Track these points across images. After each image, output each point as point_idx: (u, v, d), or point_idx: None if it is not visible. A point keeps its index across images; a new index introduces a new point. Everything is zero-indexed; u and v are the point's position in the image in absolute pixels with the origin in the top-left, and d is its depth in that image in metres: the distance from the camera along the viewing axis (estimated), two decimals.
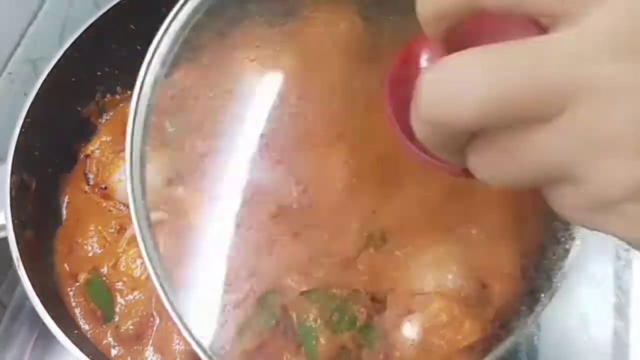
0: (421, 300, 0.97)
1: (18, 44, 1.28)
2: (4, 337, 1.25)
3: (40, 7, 1.32)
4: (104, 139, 1.22)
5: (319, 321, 0.96)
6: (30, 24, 1.30)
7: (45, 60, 1.16)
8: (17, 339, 1.25)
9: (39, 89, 1.14)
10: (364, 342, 0.96)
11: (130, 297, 1.06)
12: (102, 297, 1.07)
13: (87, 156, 1.20)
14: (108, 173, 1.16)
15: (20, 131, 1.10)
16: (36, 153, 1.15)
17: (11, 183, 1.06)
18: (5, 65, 1.27)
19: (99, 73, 1.26)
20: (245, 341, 0.96)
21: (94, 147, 1.21)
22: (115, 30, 1.23)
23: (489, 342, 0.95)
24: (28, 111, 1.11)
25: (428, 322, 0.96)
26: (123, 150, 1.09)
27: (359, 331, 0.96)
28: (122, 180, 1.14)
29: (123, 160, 1.14)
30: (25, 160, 1.10)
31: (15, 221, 1.04)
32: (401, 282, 1.00)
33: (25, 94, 1.12)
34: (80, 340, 1.02)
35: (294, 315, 0.98)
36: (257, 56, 0.94)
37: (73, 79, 1.21)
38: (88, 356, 0.95)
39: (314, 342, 0.95)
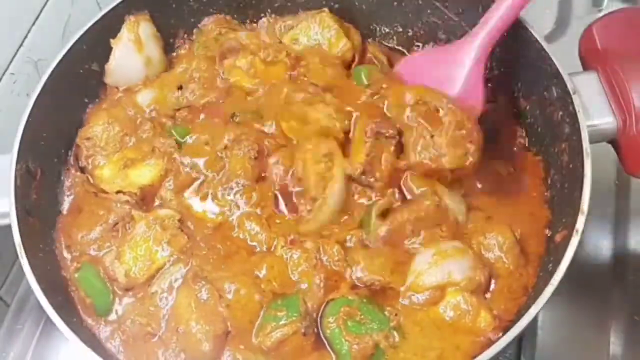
0: (436, 293, 1.02)
1: (20, 45, 1.29)
2: (7, 335, 1.26)
3: (42, 8, 1.32)
4: (95, 128, 1.20)
5: (348, 324, 1.00)
6: (32, 24, 1.31)
7: (47, 61, 1.16)
8: (20, 337, 1.26)
9: (47, 78, 1.14)
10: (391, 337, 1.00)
11: (131, 298, 1.06)
12: (94, 288, 1.07)
13: (78, 146, 1.20)
14: (97, 163, 1.18)
15: (28, 120, 1.10)
16: (42, 143, 1.15)
17: (16, 171, 1.07)
18: (8, 65, 1.28)
19: (93, 67, 1.25)
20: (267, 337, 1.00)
21: (88, 135, 1.20)
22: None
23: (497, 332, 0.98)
24: (36, 100, 1.12)
25: (447, 314, 1.01)
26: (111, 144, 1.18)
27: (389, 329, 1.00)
28: (111, 170, 1.16)
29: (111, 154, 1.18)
30: (31, 149, 1.11)
31: (19, 209, 1.05)
32: (412, 278, 1.04)
33: (28, 95, 1.12)
34: (80, 329, 1.02)
35: (318, 319, 1.02)
36: None
37: (80, 71, 1.22)
38: (87, 344, 0.95)
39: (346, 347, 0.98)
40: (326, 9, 1.30)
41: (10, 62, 1.27)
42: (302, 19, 1.31)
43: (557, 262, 0.94)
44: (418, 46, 1.34)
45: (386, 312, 1.01)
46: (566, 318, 1.21)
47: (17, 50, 1.28)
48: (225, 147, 1.15)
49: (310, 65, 1.24)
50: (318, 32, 1.29)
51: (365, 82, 1.22)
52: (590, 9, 1.62)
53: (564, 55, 1.10)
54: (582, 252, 1.11)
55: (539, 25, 1.14)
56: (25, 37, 1.29)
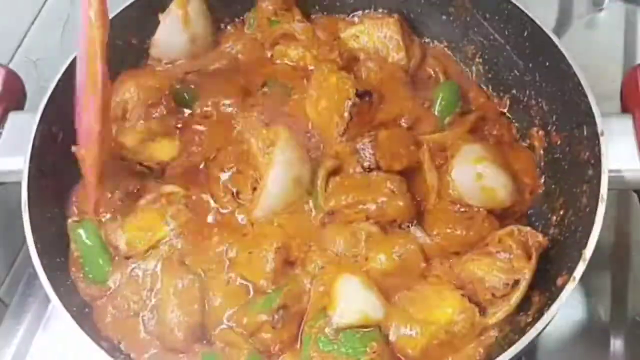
0: None
1: (19, 45, 1.31)
2: (6, 335, 1.26)
3: (41, 7, 1.34)
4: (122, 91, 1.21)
5: (320, 337, 0.98)
6: (31, 24, 1.33)
7: (46, 60, 1.18)
8: (18, 337, 1.26)
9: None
10: None
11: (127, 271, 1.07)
12: (87, 245, 1.09)
13: None
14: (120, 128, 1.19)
15: (57, 83, 1.13)
16: (69, 109, 1.16)
17: (37, 131, 1.09)
18: (7, 64, 1.27)
19: (147, 41, 1.27)
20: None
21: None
22: None
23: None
24: (68, 66, 1.13)
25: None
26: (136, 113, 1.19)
27: None
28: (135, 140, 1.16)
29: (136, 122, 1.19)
30: (57, 112, 1.13)
31: (34, 168, 1.07)
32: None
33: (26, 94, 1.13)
34: (68, 293, 1.04)
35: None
36: None
37: (120, 43, 1.23)
38: (67, 306, 0.96)
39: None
40: (396, 15, 1.28)
41: (10, 61, 1.30)
42: (371, 18, 1.30)
43: (551, 303, 0.92)
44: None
45: (368, 348, 0.96)
46: (567, 318, 1.18)
47: (16, 49, 1.30)
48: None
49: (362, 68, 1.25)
50: (380, 37, 1.27)
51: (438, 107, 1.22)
52: (592, 8, 1.59)
53: None
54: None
55: None
56: (24, 36, 1.32)
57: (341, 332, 0.97)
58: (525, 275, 0.98)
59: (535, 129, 1.20)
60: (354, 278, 1.00)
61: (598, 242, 0.92)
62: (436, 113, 1.21)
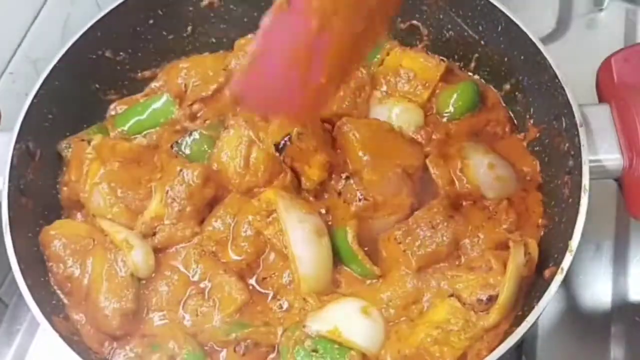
0: None
1: (19, 44, 1.29)
2: (5, 335, 1.27)
3: (41, 7, 1.33)
4: None
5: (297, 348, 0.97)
6: (31, 24, 1.31)
7: (46, 60, 1.15)
8: (18, 337, 1.26)
9: (57, 62, 1.15)
10: None
11: None
12: None
13: None
14: None
15: (32, 101, 1.11)
16: (47, 124, 1.16)
17: (14, 150, 1.07)
18: (7, 65, 1.29)
19: (122, 54, 1.26)
20: None
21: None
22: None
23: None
24: (43, 82, 1.13)
25: None
26: None
27: None
28: None
29: None
30: (33, 129, 1.11)
31: (12, 187, 1.06)
32: None
33: (27, 94, 1.12)
34: (56, 310, 1.04)
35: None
36: None
37: (93, 56, 1.22)
38: (56, 330, 0.96)
39: None
40: None
41: (9, 61, 1.28)
42: None
43: (540, 298, 0.92)
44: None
45: (346, 357, 0.95)
46: (566, 320, 1.18)
47: (16, 49, 1.29)
48: None
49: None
50: None
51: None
52: (592, 8, 1.59)
53: (563, 56, 1.07)
54: (583, 253, 1.05)
55: (540, 25, 1.10)
56: (24, 36, 1.30)
57: (319, 344, 0.96)
58: (498, 289, 0.95)
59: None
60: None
61: (598, 240, 0.92)
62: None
